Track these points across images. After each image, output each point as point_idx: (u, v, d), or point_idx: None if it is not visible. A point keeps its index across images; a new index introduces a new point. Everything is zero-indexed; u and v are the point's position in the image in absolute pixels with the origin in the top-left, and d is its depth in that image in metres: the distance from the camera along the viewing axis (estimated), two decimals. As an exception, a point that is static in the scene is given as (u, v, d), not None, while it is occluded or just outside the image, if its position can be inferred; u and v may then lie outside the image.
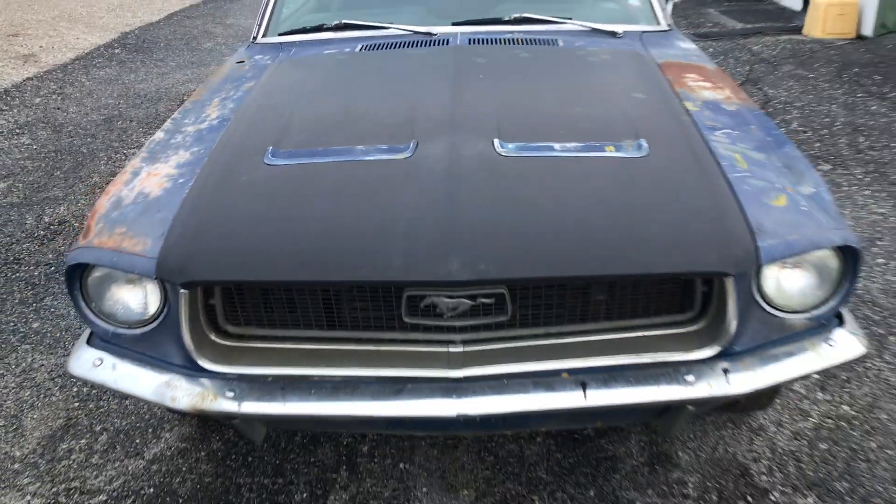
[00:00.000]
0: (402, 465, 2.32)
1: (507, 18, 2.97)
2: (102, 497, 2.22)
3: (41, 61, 7.74)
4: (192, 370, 1.78)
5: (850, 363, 2.65)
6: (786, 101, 5.63)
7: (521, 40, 2.81)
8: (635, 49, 2.76)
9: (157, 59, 7.78)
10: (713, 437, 2.40)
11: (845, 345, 1.83)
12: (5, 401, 2.64)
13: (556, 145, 1.95)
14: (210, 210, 1.80)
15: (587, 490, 2.22)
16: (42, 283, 3.41)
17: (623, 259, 1.63)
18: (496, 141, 1.95)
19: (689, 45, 2.94)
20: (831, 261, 1.79)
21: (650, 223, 1.69)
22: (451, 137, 1.97)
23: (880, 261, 3.40)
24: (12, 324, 3.10)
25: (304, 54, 2.83)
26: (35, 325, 3.09)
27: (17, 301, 3.27)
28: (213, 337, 1.81)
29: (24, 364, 2.84)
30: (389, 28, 2.94)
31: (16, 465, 2.34)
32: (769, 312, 1.78)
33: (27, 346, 2.95)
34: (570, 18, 2.97)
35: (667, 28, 3.06)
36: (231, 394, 1.73)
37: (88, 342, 1.90)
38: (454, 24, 2.97)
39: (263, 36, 3.09)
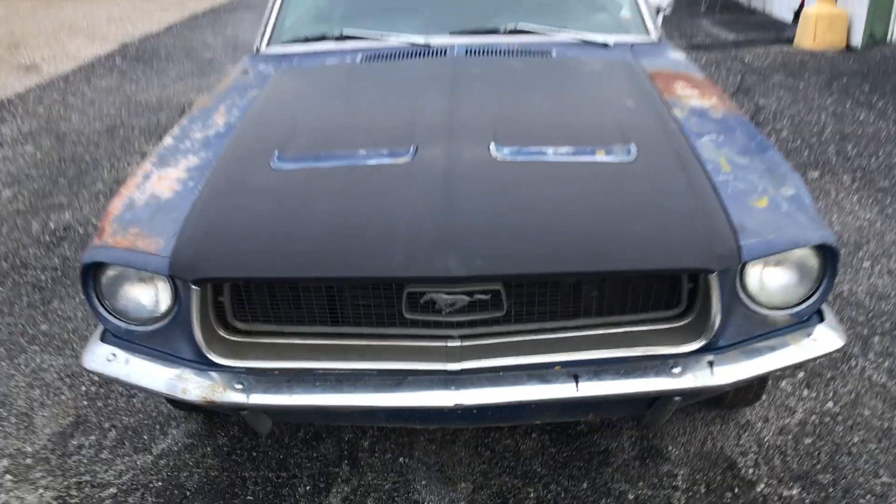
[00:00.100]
0: (401, 460, 2.40)
1: (502, 30, 3.08)
2: (112, 490, 2.30)
3: (43, 71, 7.84)
4: (202, 364, 1.86)
5: (837, 364, 2.77)
6: (776, 111, 5.74)
7: (516, 51, 2.92)
8: (626, 59, 2.87)
9: (157, 69, 7.88)
10: (702, 433, 2.49)
11: (825, 339, 1.92)
12: (16, 399, 2.72)
13: (549, 150, 2.05)
14: (220, 211, 1.89)
15: (580, 482, 2.30)
16: (49, 286, 3.49)
17: (612, 256, 1.72)
18: (492, 146, 2.04)
19: (678, 55, 3.04)
20: (811, 260, 1.88)
21: (638, 223, 1.79)
22: (449, 142, 2.07)
23: (866, 264, 3.50)
24: (21, 326, 3.18)
25: (307, 64, 2.92)
26: (43, 327, 3.17)
27: (25, 304, 3.35)
28: (221, 333, 1.89)
29: (33, 364, 2.92)
30: (389, 39, 3.04)
31: (28, 461, 2.42)
32: (752, 309, 1.87)
33: (36, 348, 3.03)
34: (563, 30, 3.07)
35: (656, 39, 3.16)
36: (240, 386, 1.81)
37: (102, 338, 1.98)
38: (451, 34, 3.07)
39: (267, 46, 3.18)
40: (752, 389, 2.40)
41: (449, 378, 1.80)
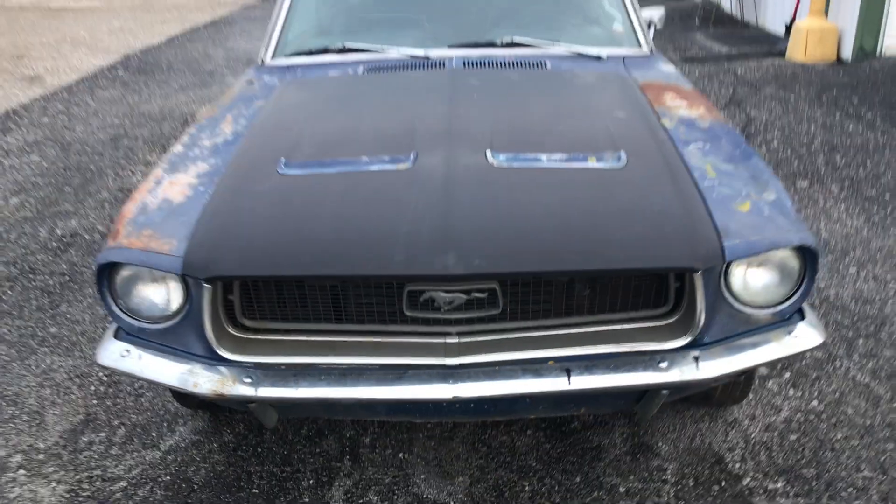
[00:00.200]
0: (401, 455, 2.49)
1: (498, 43, 3.19)
2: (122, 483, 2.39)
3: (46, 82, 7.95)
4: (212, 360, 1.96)
5: (822, 364, 2.87)
6: (767, 122, 5.86)
7: (512, 63, 3.03)
8: (618, 71, 2.98)
9: (159, 80, 7.99)
10: (691, 430, 2.58)
11: (805, 336, 2.02)
12: (28, 398, 2.80)
13: (543, 157, 2.15)
14: (230, 213, 1.99)
15: (573, 476, 2.39)
16: (57, 291, 3.58)
17: (602, 256, 1.83)
18: (488, 152, 2.15)
19: (668, 67, 3.15)
20: (792, 261, 1.98)
21: (626, 224, 1.89)
22: (447, 149, 2.17)
23: (852, 270, 3.60)
24: (31, 329, 3.27)
25: (310, 75, 3.03)
26: (52, 329, 3.26)
27: (34, 308, 3.43)
28: (230, 330, 1.99)
29: (43, 365, 3.00)
30: (389, 51, 3.15)
31: (40, 456, 2.51)
32: (737, 308, 1.97)
33: (46, 349, 3.11)
34: (557, 43, 3.19)
35: (648, 52, 3.28)
36: (248, 380, 1.91)
37: (115, 336, 2.07)
38: (450, 47, 3.18)
39: (271, 58, 3.29)
40: (738, 387, 2.50)
41: (447, 372, 1.89)
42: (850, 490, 2.30)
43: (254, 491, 2.36)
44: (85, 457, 2.50)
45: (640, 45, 3.32)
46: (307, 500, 2.32)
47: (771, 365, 2.75)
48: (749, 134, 5.62)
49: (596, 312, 1.99)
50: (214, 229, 1.94)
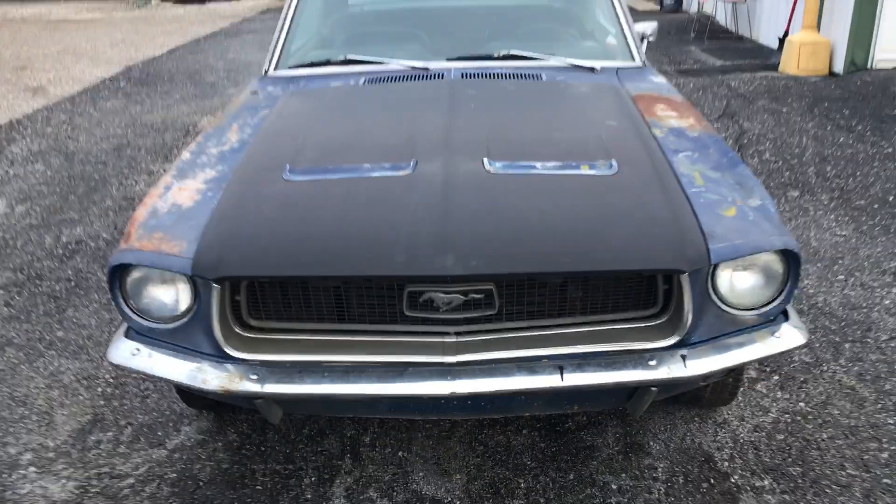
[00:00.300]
0: (400, 454, 2.56)
1: (495, 55, 3.29)
2: (130, 480, 2.46)
3: (49, 93, 8.06)
4: (219, 358, 2.03)
5: (810, 368, 2.95)
6: (760, 133, 5.97)
7: (509, 74, 3.12)
8: (611, 83, 3.08)
9: (161, 91, 8.10)
10: (681, 430, 2.66)
11: (789, 337, 2.10)
12: (36, 399, 2.88)
13: (538, 164, 2.24)
14: (238, 217, 2.08)
15: (567, 474, 2.47)
16: (63, 296, 3.66)
17: (593, 258, 1.91)
18: (485, 160, 2.24)
19: (660, 79, 3.25)
20: (776, 264, 2.07)
21: (617, 229, 1.98)
22: (446, 157, 2.26)
23: (840, 277, 3.69)
24: (38, 333, 3.35)
25: (313, 86, 3.13)
26: (59, 333, 3.34)
27: (41, 312, 3.51)
28: (237, 329, 2.07)
29: (51, 368, 3.08)
30: (390, 63, 3.25)
31: (50, 454, 2.58)
32: (723, 309, 2.06)
33: (53, 352, 3.19)
34: (552, 55, 3.29)
35: (641, 64, 3.38)
36: (254, 377, 1.99)
37: (126, 335, 2.15)
38: (448, 59, 3.28)
39: (274, 70, 3.39)
40: (727, 389, 2.58)
41: (446, 369, 1.97)
42: (834, 487, 2.38)
43: (257, 488, 2.43)
44: (93, 455, 2.58)
45: (633, 57, 3.42)
46: (309, 496, 2.39)
47: (755, 364, 2.83)
48: (742, 145, 5.73)
49: (588, 313, 2.08)
50: (223, 232, 2.03)
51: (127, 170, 5.49)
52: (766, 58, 8.81)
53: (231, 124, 2.79)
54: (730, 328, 2.08)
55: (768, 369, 2.97)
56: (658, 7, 14.41)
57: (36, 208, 4.77)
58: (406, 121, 2.63)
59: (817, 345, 3.13)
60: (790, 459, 2.51)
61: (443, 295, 1.97)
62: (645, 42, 3.68)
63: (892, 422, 2.66)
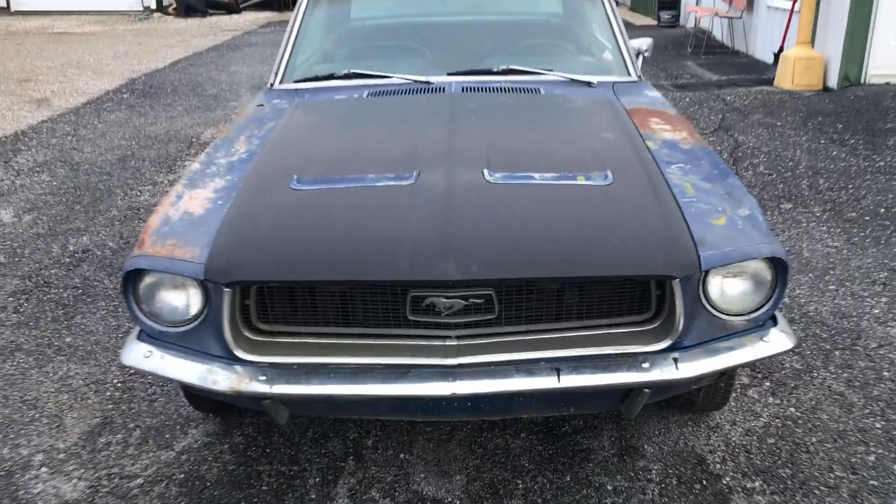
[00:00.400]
0: (402, 456, 2.64)
1: (495, 70, 3.39)
2: (139, 481, 2.53)
3: (54, 105, 8.16)
4: (229, 360, 2.11)
5: (800, 375, 3.03)
6: (754, 147, 6.08)
7: (508, 88, 3.22)
8: (607, 97, 3.17)
9: (164, 103, 8.20)
10: (675, 433, 2.73)
11: (777, 341, 2.19)
12: (46, 403, 2.95)
13: (536, 175, 2.33)
14: (248, 224, 2.16)
15: (564, 476, 2.54)
16: (71, 303, 3.73)
17: (588, 264, 2.00)
18: (485, 170, 2.33)
19: (654, 94, 3.35)
20: (764, 272, 2.16)
21: (611, 236, 2.07)
22: (447, 168, 2.35)
23: (832, 287, 3.78)
24: (47, 338, 3.42)
25: (318, 99, 3.22)
26: (67, 339, 3.41)
27: (49, 319, 3.59)
28: (246, 332, 2.15)
29: (60, 372, 3.15)
30: (392, 77, 3.34)
31: (61, 455, 2.65)
32: (714, 315, 2.14)
33: (62, 358, 3.27)
34: (550, 70, 3.38)
35: (636, 79, 3.48)
36: (263, 378, 2.06)
37: (138, 338, 2.23)
38: (449, 74, 3.37)
39: (280, 83, 3.48)
40: (719, 393, 2.66)
41: (447, 371, 2.05)
42: (822, 488, 2.46)
43: (263, 488, 2.50)
44: (103, 456, 2.65)
45: (628, 72, 3.52)
46: (314, 496, 2.46)
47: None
48: (737, 158, 5.83)
49: (584, 318, 2.16)
50: (234, 238, 2.11)
51: (132, 180, 5.58)
52: (761, 72, 8.93)
53: (239, 136, 2.88)
54: (720, 333, 2.17)
55: (760, 375, 3.05)
56: (656, 22, 14.56)
57: (43, 217, 4.86)
58: (409, 133, 2.72)
59: (808, 352, 3.21)
60: (780, 462, 2.58)
61: (444, 300, 2.05)
62: (640, 57, 3.78)
63: (879, 426, 2.74)
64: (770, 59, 9.06)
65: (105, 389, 3.04)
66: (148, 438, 2.74)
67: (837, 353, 3.21)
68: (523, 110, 2.98)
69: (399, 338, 2.14)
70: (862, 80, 7.72)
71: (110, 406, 2.93)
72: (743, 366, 2.18)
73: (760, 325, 2.21)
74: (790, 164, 5.66)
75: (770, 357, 2.20)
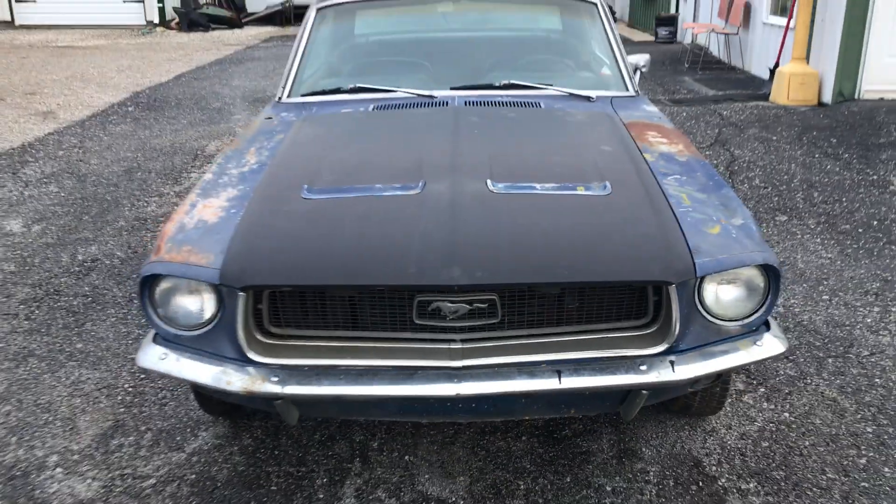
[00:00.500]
0: (407, 458, 2.71)
1: (497, 84, 3.49)
2: (152, 481, 2.60)
3: (59, 118, 8.26)
4: (242, 362, 2.20)
5: (794, 381, 3.12)
6: (750, 161, 6.18)
7: (509, 102, 3.32)
8: (606, 111, 3.27)
9: (169, 116, 8.31)
10: (672, 437, 2.81)
11: (769, 345, 2.28)
12: (60, 406, 3.03)
13: (537, 185, 2.42)
14: (261, 231, 2.25)
15: (564, 477, 2.62)
16: (81, 311, 3.82)
17: (588, 269, 2.09)
18: (488, 181, 2.42)
19: (651, 108, 3.45)
20: (757, 279, 2.25)
21: (610, 243, 2.16)
22: (452, 178, 2.44)
23: (825, 297, 3.87)
24: (58, 345, 3.50)
25: (325, 112, 3.32)
26: (79, 345, 3.49)
27: (60, 326, 3.67)
28: (258, 336, 2.23)
29: (72, 377, 3.23)
30: (397, 91, 3.44)
31: (75, 457, 2.73)
32: (709, 320, 2.23)
33: (74, 363, 3.34)
34: (550, 85, 3.49)
35: (634, 94, 3.58)
36: (275, 379, 2.15)
37: (154, 341, 2.32)
38: (452, 88, 3.47)
39: (288, 96, 3.58)
40: (715, 398, 2.74)
41: (452, 373, 2.13)
42: (814, 490, 2.53)
43: (272, 488, 2.58)
44: (116, 458, 2.72)
45: (626, 87, 3.62)
46: (321, 496, 2.54)
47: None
48: (733, 172, 5.93)
49: (584, 322, 2.25)
50: (248, 245, 2.20)
51: (138, 192, 5.67)
52: (757, 88, 9.06)
53: (249, 147, 2.98)
54: (715, 337, 2.26)
55: (755, 382, 3.13)
56: (653, 38, 14.73)
57: (52, 228, 4.94)
58: (414, 145, 2.82)
59: (802, 359, 3.30)
60: (774, 464, 2.66)
61: (450, 304, 2.13)
62: (638, 73, 3.88)
63: (870, 430, 2.82)
64: (766, 75, 9.19)
65: (116, 394, 3.11)
66: (159, 441, 2.82)
67: (830, 360, 3.29)
68: (524, 124, 3.08)
69: (406, 341, 2.23)
70: (856, 96, 7.85)
71: (122, 410, 3.01)
72: (737, 369, 2.26)
73: (754, 330, 2.30)
74: (785, 177, 5.76)
75: (763, 361, 2.28)
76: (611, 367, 2.15)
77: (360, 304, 2.22)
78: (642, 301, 2.25)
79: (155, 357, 2.27)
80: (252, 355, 2.18)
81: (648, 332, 2.24)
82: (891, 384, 3.10)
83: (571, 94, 3.45)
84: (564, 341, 2.22)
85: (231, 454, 2.75)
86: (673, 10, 14.88)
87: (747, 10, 10.35)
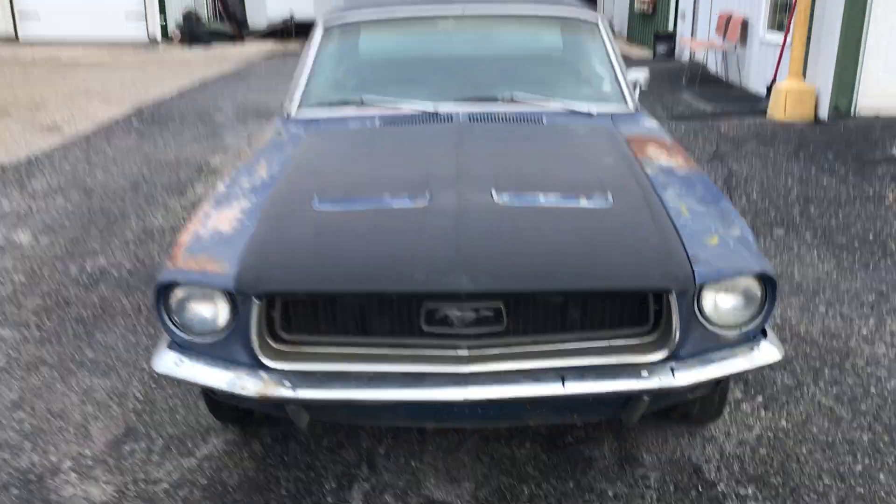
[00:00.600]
0: (413, 463, 2.77)
1: (500, 99, 3.57)
2: (164, 485, 2.66)
3: (64, 132, 8.36)
4: (255, 367, 2.26)
5: (791, 390, 3.18)
6: (748, 175, 6.28)
7: (512, 118, 3.41)
8: (606, 126, 3.36)
9: (172, 131, 8.40)
10: (672, 444, 2.88)
11: (766, 352, 2.35)
12: (72, 413, 3.09)
13: (541, 197, 2.50)
14: (275, 241, 2.33)
15: (567, 482, 2.68)
16: (91, 321, 3.88)
17: (591, 277, 2.17)
18: (494, 192, 2.50)
19: (651, 123, 3.54)
20: (754, 288, 2.32)
21: (612, 253, 2.24)
22: (458, 190, 2.52)
23: (822, 309, 3.94)
24: (69, 353, 3.56)
25: (333, 126, 3.41)
26: (89, 354, 3.56)
27: (71, 335, 3.74)
28: (270, 342, 2.30)
29: (84, 385, 3.29)
30: (402, 107, 3.53)
31: (89, 462, 2.79)
32: (708, 328, 2.31)
33: (85, 372, 3.41)
34: (552, 101, 3.57)
35: (633, 110, 3.67)
36: (288, 384, 2.21)
37: (169, 347, 2.39)
38: (456, 103, 3.55)
39: (296, 112, 3.66)
40: (714, 405, 2.81)
41: (460, 378, 2.20)
42: (811, 495, 2.60)
43: (282, 493, 2.64)
44: (129, 463, 2.78)
45: (626, 103, 3.70)
46: (330, 500, 2.60)
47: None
48: (731, 186, 6.02)
49: (587, 330, 2.32)
50: (262, 253, 2.28)
51: (145, 205, 5.75)
52: (754, 104, 9.17)
53: (259, 160, 3.06)
54: (713, 344, 2.33)
55: (753, 391, 3.20)
56: (651, 54, 14.88)
57: (60, 240, 5.02)
58: (420, 158, 2.90)
59: (799, 369, 3.37)
60: (772, 471, 2.73)
61: (457, 312, 2.21)
62: (637, 89, 3.97)
63: (866, 438, 2.89)
64: (763, 91, 9.31)
65: (127, 401, 3.18)
66: (171, 446, 2.88)
67: (827, 370, 3.36)
68: (527, 138, 3.16)
69: (414, 347, 2.29)
70: (852, 112, 7.96)
71: (133, 416, 3.07)
72: (735, 375, 2.33)
73: (751, 337, 2.37)
74: (782, 191, 5.85)
75: (761, 368, 2.35)
76: (613, 374, 2.22)
77: (370, 311, 2.29)
78: (643, 309, 2.32)
79: (171, 363, 2.34)
80: (265, 361, 2.25)
81: (650, 339, 2.31)
82: (886, 393, 3.17)
83: (573, 110, 3.53)
84: (568, 349, 2.29)
85: (241, 459, 2.81)
86: (671, 27, 15.04)
87: (744, 27, 10.50)
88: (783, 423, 3.00)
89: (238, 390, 2.22)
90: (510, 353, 2.27)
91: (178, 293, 2.32)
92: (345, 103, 3.63)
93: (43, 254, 4.78)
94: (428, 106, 3.51)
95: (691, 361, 2.27)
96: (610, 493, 2.62)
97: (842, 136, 7.38)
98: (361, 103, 3.58)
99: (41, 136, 8.14)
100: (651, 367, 2.24)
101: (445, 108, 3.51)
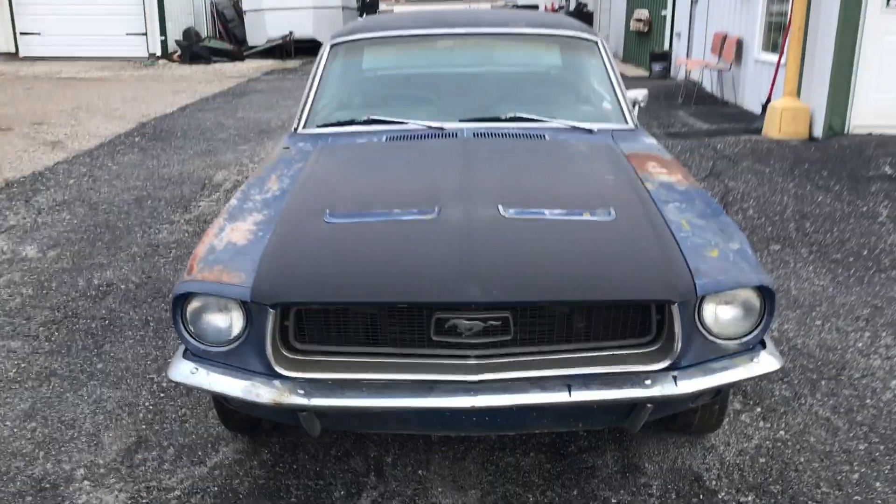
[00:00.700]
0: (420, 472, 2.83)
1: (503, 117, 3.66)
2: (176, 493, 2.72)
3: (68, 147, 8.43)
4: (269, 375, 2.33)
5: (789, 402, 3.25)
6: (744, 192, 6.37)
7: (515, 134, 3.49)
8: (607, 143, 3.45)
9: (175, 146, 8.49)
10: (674, 453, 2.94)
11: (765, 362, 2.43)
12: (84, 423, 3.14)
13: (546, 211, 2.58)
14: (289, 253, 2.41)
15: (571, 490, 2.74)
16: (100, 333, 3.94)
17: (596, 289, 2.25)
18: (500, 207, 2.58)
19: (650, 140, 3.63)
20: (754, 300, 2.40)
21: (616, 265, 2.32)
22: (466, 204, 2.60)
23: (818, 322, 4.02)
24: (79, 365, 3.62)
25: (340, 143, 3.49)
26: (99, 365, 3.61)
27: (80, 347, 3.79)
28: (283, 351, 2.37)
29: (94, 395, 3.35)
30: (408, 123, 3.61)
31: (101, 470, 2.84)
32: (708, 339, 2.38)
33: (95, 383, 3.46)
34: (554, 118, 3.66)
35: (633, 127, 3.76)
36: (301, 391, 2.28)
37: (184, 356, 2.45)
38: (461, 121, 3.64)
39: (304, 128, 3.75)
40: (714, 415, 2.87)
41: (468, 387, 2.27)
42: (810, 503, 2.66)
43: (292, 500, 2.69)
44: (141, 471, 2.84)
45: (626, 121, 3.80)
46: (339, 507, 2.66)
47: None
48: (727, 203, 6.12)
49: (591, 340, 2.39)
50: (276, 265, 2.35)
51: (149, 219, 5.82)
52: (749, 122, 9.29)
53: (270, 175, 3.14)
54: (714, 354, 2.40)
55: (751, 402, 3.27)
56: (647, 74, 15.05)
57: (66, 253, 5.08)
58: (427, 174, 2.98)
59: (796, 381, 3.44)
60: (771, 479, 2.79)
61: (465, 322, 2.28)
62: (636, 107, 4.06)
63: (862, 447, 2.95)
64: (758, 110, 9.43)
65: (138, 411, 3.23)
66: (182, 455, 2.93)
67: (823, 382, 3.43)
68: (531, 154, 3.25)
69: (424, 357, 2.36)
70: (846, 131, 8.07)
71: (144, 426, 3.12)
72: (735, 384, 2.40)
73: (751, 348, 2.45)
74: (778, 208, 5.95)
75: (760, 377, 2.43)
76: (617, 382, 2.29)
77: (381, 321, 2.36)
78: (646, 320, 2.39)
79: (186, 371, 2.40)
80: (279, 369, 2.31)
81: (652, 349, 2.38)
82: (881, 404, 3.24)
83: (574, 127, 3.62)
84: (573, 358, 2.36)
85: (251, 468, 2.86)
86: (667, 47, 15.22)
87: (739, 46, 10.65)
88: (781, 433, 3.06)
89: (253, 398, 2.29)
90: (517, 362, 2.34)
91: (194, 303, 2.39)
92: (352, 120, 3.72)
93: (50, 267, 4.84)
94: (433, 123, 3.59)
95: (693, 371, 2.35)
96: (613, 501, 2.68)
97: (836, 153, 7.49)
98: (368, 120, 3.66)
99: (44, 151, 8.21)
100: (654, 376, 2.31)
101: (450, 125, 3.59)
